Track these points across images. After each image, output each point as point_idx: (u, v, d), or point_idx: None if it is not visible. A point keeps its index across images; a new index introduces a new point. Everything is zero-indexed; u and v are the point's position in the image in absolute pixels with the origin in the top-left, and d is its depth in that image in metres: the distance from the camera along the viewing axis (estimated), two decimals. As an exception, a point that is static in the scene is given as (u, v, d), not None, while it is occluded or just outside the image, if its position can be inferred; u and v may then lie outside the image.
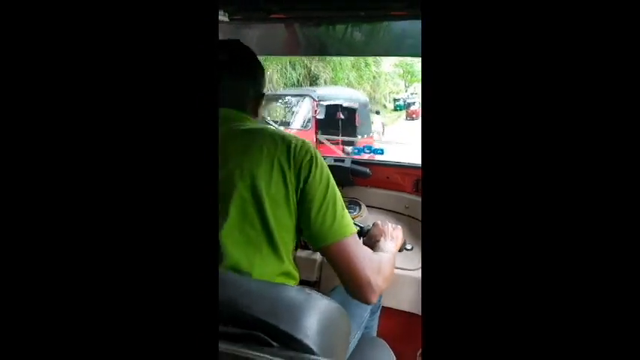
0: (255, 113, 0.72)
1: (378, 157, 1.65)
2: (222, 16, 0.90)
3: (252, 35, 1.05)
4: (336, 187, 0.63)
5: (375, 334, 0.97)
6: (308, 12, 0.91)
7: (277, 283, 0.57)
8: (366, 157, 1.73)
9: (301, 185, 0.60)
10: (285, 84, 7.14)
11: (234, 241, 0.57)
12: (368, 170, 1.25)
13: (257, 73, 0.72)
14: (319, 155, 0.63)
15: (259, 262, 0.58)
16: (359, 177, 1.27)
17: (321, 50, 1.32)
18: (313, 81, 7.94)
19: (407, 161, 1.37)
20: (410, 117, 18.71)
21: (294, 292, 0.45)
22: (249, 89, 0.70)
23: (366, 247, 0.65)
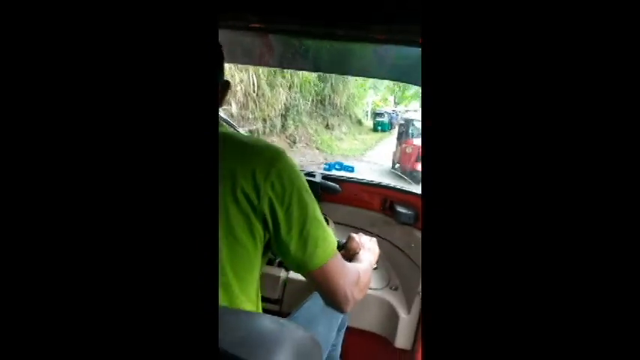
0: (222, 103, 0.70)
1: (348, 174, 1.65)
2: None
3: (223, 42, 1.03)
4: (314, 201, 0.59)
5: (339, 350, 0.96)
6: (288, 25, 0.91)
7: (248, 311, 0.53)
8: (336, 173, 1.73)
9: (269, 216, 0.55)
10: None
11: None
12: (338, 186, 1.24)
13: (222, 64, 0.71)
14: (292, 171, 0.57)
15: None
16: (329, 193, 1.26)
17: (297, 64, 1.31)
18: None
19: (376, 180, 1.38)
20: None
21: (267, 321, 0.42)
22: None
23: (345, 261, 0.63)
